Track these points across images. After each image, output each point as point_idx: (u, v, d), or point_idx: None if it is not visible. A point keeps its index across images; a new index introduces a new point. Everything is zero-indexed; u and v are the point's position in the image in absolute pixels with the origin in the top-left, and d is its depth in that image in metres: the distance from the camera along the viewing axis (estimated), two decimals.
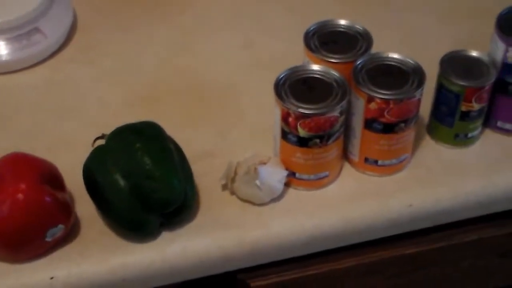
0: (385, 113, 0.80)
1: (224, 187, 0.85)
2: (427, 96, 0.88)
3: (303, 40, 0.86)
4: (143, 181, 0.76)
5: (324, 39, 0.86)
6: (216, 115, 0.94)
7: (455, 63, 0.85)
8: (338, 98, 0.79)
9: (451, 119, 0.87)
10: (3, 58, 0.98)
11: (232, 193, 0.84)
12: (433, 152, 0.90)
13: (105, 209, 0.79)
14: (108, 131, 0.82)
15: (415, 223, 0.86)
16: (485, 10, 0.95)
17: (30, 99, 0.97)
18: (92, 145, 0.83)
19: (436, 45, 0.98)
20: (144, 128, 0.80)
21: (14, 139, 0.91)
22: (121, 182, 0.77)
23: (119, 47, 1.04)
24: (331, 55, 0.84)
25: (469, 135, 0.88)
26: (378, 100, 0.79)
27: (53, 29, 1.01)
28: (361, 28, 0.87)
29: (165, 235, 0.81)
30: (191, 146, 0.88)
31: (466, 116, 0.86)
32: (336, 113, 0.79)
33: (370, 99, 0.80)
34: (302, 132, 0.79)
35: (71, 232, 0.81)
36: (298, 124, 0.79)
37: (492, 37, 0.86)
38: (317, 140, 0.80)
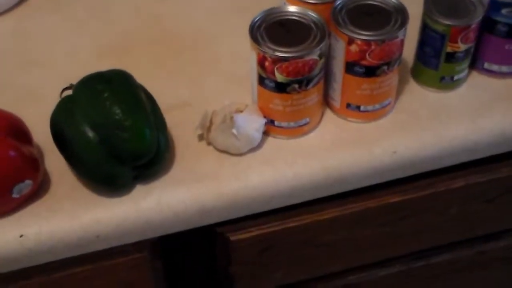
0: (367, 55, 0.76)
1: (200, 137, 0.81)
2: (412, 38, 0.84)
3: None
4: (113, 131, 0.72)
5: None
6: (190, 64, 0.90)
7: (440, 1, 0.81)
8: (317, 40, 0.75)
9: (436, 60, 0.83)
10: None
11: (209, 143, 0.81)
12: (418, 97, 0.86)
13: (75, 162, 0.75)
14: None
15: (399, 171, 0.83)
16: None
17: None
18: (60, 96, 0.79)
19: None
20: (113, 77, 0.75)
21: None
22: (90, 133, 0.73)
23: None
24: None
25: (455, 77, 0.85)
26: (359, 42, 0.75)
27: None
28: None
29: (140, 188, 0.77)
30: (164, 96, 0.85)
31: (451, 57, 0.82)
32: (315, 56, 0.75)
33: (350, 41, 0.76)
34: (279, 77, 0.75)
35: (41, 188, 0.77)
36: (275, 68, 0.75)
37: None
38: (296, 85, 0.76)
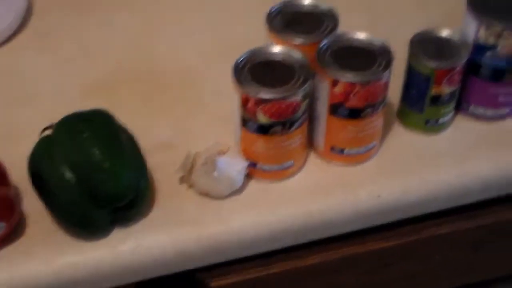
0: (351, 96, 0.75)
1: (182, 179, 0.79)
2: (397, 80, 0.83)
3: (265, 21, 0.80)
4: (91, 173, 0.70)
5: (287, 19, 0.81)
6: (176, 103, 0.89)
7: (426, 44, 0.81)
8: (301, 81, 0.74)
9: (421, 103, 0.82)
10: None
11: (190, 186, 0.79)
12: (403, 140, 0.85)
13: (51, 204, 0.73)
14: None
15: (384, 216, 0.81)
16: None
17: None
18: (40, 136, 0.76)
19: (409, 25, 0.93)
20: (93, 116, 0.74)
21: None
22: (68, 174, 0.71)
23: (77, 31, 0.99)
24: (295, 36, 0.79)
25: (440, 120, 0.83)
26: (343, 83, 0.74)
27: (4, 14, 0.94)
28: (326, 8, 0.82)
29: (118, 232, 0.75)
30: (148, 136, 0.83)
31: (437, 100, 0.81)
32: (298, 97, 0.74)
33: (335, 82, 0.75)
34: (262, 119, 0.74)
35: (16, 230, 0.74)
36: (258, 109, 0.73)
37: (464, 14, 0.81)
38: (279, 127, 0.75)
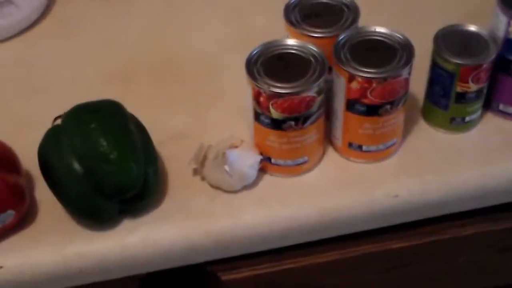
0: (368, 93, 0.72)
1: (195, 171, 0.78)
2: (423, 75, 0.80)
3: (283, 13, 0.78)
4: (98, 164, 0.70)
5: (306, 11, 0.78)
6: (193, 94, 0.88)
7: (451, 39, 0.77)
8: (316, 76, 0.72)
9: (446, 101, 0.79)
10: None
11: (203, 178, 0.78)
12: (427, 137, 0.82)
13: (60, 194, 0.73)
14: None
15: (401, 216, 0.78)
16: None
17: (2, 74, 0.91)
18: (52, 124, 0.76)
19: (438, 18, 0.90)
20: (101, 107, 0.73)
21: None
22: (76, 165, 0.70)
23: (99, 20, 0.98)
24: (312, 29, 0.76)
25: (467, 119, 0.80)
26: (360, 79, 0.72)
27: (27, 1, 0.94)
28: (347, 0, 0.79)
29: (127, 223, 0.75)
30: (164, 126, 0.83)
31: (462, 97, 0.78)
32: (312, 92, 0.71)
33: (351, 78, 0.72)
34: (275, 114, 0.72)
35: (27, 218, 0.75)
36: (270, 104, 0.72)
37: (493, 9, 0.77)
38: (292, 123, 0.73)
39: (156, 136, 0.81)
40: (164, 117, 0.85)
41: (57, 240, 0.74)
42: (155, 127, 0.82)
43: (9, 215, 0.71)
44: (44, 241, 0.74)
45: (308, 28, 0.76)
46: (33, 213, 0.76)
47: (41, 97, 0.88)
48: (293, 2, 0.79)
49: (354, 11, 0.78)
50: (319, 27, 0.76)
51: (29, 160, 0.76)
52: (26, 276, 0.72)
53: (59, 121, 0.76)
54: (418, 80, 0.81)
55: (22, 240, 0.74)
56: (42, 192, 0.76)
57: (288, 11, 0.78)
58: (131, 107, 0.84)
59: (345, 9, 0.78)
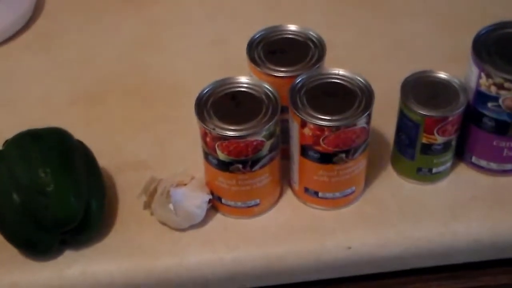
0: (321, 140, 0.69)
1: (145, 205, 0.76)
2: (394, 120, 0.76)
3: (246, 49, 0.75)
4: (35, 195, 0.68)
5: (271, 47, 0.75)
6: (161, 121, 0.86)
7: (420, 87, 0.73)
8: (266, 119, 0.69)
9: (411, 150, 0.74)
10: None
11: (152, 213, 0.75)
12: (393, 186, 0.77)
13: None
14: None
15: (354, 268, 0.75)
16: (492, 17, 0.78)
17: None
18: (2, 147, 0.75)
19: (424, 57, 0.86)
20: (45, 135, 0.72)
21: None
22: (14, 194, 0.69)
23: (81, 37, 0.97)
24: (274, 68, 0.73)
25: (434, 170, 0.76)
26: (312, 126, 0.68)
27: (7, 13, 0.94)
28: (314, 35, 0.75)
29: (68, 254, 0.73)
30: (125, 154, 0.82)
31: (428, 149, 0.73)
32: (260, 137, 0.68)
33: (303, 124, 0.69)
34: (221, 155, 0.69)
35: None
36: (216, 145, 0.69)
37: (468, 58, 0.73)
38: (239, 165, 0.70)
39: (115, 163, 0.80)
40: (127, 143, 0.83)
41: None
42: (116, 153, 0.81)
43: None
44: None
45: (270, 66, 0.73)
46: None
47: (7, 111, 0.87)
48: (257, 37, 0.76)
49: (321, 48, 0.74)
50: (282, 65, 0.73)
51: None
52: None
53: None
54: (389, 124, 0.77)
55: None
56: None
57: (251, 46, 0.75)
58: (95, 130, 0.83)
59: (312, 45, 0.75)
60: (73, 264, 0.72)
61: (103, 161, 0.77)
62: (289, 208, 0.76)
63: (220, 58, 0.93)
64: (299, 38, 0.76)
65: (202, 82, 0.88)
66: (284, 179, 0.77)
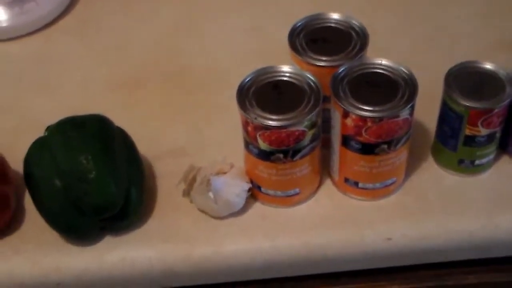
0: (363, 131, 0.68)
1: (184, 192, 0.76)
2: (435, 111, 0.75)
3: (288, 37, 0.74)
4: (76, 182, 0.69)
5: (313, 36, 0.74)
6: (198, 107, 0.85)
7: (464, 78, 0.72)
8: (308, 109, 0.68)
9: (454, 142, 0.73)
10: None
11: (191, 200, 0.75)
12: (433, 178, 0.77)
13: (40, 206, 0.72)
14: (82, 114, 0.75)
15: (394, 260, 0.74)
16: None
17: (14, 70, 0.92)
18: (44, 133, 0.75)
19: (470, 47, 0.85)
20: (87, 123, 0.72)
21: None
22: (56, 180, 0.69)
23: (119, 22, 0.97)
24: (316, 57, 0.72)
25: (476, 162, 0.75)
26: (354, 117, 0.68)
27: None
28: (357, 25, 0.74)
29: (107, 240, 0.74)
30: (164, 140, 0.82)
31: (471, 141, 0.72)
32: (301, 127, 0.68)
33: (345, 114, 0.68)
34: (262, 145, 0.69)
35: (12, 225, 0.75)
36: (258, 135, 0.68)
37: None
38: (280, 155, 0.69)
39: (153, 149, 0.80)
40: (166, 129, 0.83)
41: (37, 251, 0.73)
42: (154, 139, 0.81)
43: None
44: (24, 251, 0.73)
45: (311, 55, 0.72)
46: (19, 221, 0.75)
47: (48, 96, 0.88)
48: (299, 25, 0.75)
49: (363, 37, 0.74)
50: (324, 54, 0.72)
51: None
52: (3, 285, 0.72)
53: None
54: (430, 114, 0.76)
55: (4, 248, 0.73)
56: (31, 200, 0.76)
57: (293, 35, 0.74)
58: (133, 116, 0.83)
59: (354, 34, 0.74)
60: (113, 250, 0.73)
61: (141, 147, 0.77)
62: (328, 198, 0.76)
63: (258, 45, 0.92)
64: (341, 27, 0.75)
65: (239, 69, 0.87)
66: (323, 169, 0.76)
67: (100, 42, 0.94)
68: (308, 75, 0.70)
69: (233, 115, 0.83)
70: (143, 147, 0.78)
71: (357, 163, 0.71)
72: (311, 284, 0.78)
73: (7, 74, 0.91)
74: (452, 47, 0.89)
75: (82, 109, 0.76)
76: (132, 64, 0.91)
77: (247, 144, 0.71)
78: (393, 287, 0.78)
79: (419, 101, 0.70)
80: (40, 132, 0.78)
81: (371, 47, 0.74)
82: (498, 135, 0.73)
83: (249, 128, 0.69)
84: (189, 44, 0.93)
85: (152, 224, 0.74)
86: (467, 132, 0.72)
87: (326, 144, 0.74)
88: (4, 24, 0.94)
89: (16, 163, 0.75)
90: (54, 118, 0.79)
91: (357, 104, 0.68)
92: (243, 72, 0.86)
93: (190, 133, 0.83)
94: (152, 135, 0.82)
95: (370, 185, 0.73)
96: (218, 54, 0.92)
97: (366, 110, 0.67)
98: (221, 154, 0.77)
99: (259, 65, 0.72)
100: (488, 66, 0.72)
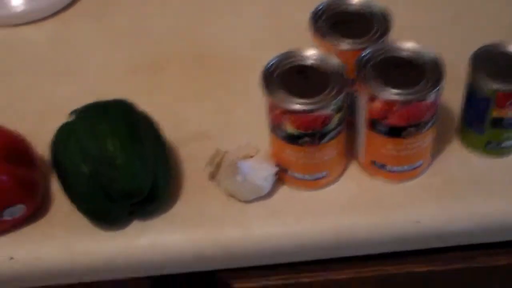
0: (390, 114, 0.68)
1: (211, 176, 0.76)
2: (459, 93, 0.75)
3: (309, 21, 0.74)
4: (103, 168, 0.69)
5: (334, 19, 0.74)
6: (222, 90, 0.85)
7: (491, 60, 0.71)
8: (334, 92, 0.68)
9: (481, 124, 0.73)
10: (12, 10, 0.94)
11: (218, 184, 0.76)
12: (460, 160, 0.76)
13: (68, 191, 0.73)
14: (104, 99, 0.75)
15: (423, 242, 0.74)
16: None
17: (31, 55, 0.92)
18: (68, 118, 0.76)
19: (495, 27, 0.84)
20: (112, 107, 0.72)
21: (8, 98, 0.86)
22: (83, 166, 0.70)
23: (136, 6, 0.97)
24: (339, 40, 0.72)
25: (503, 144, 0.74)
26: (382, 100, 0.67)
27: None
28: (379, 8, 0.74)
29: (137, 225, 0.74)
30: (187, 124, 0.82)
31: (498, 123, 0.72)
32: (329, 110, 0.68)
33: (372, 98, 0.68)
34: (289, 128, 0.69)
35: (40, 210, 0.75)
36: (284, 119, 0.68)
37: None
38: (308, 139, 0.70)
39: (177, 133, 0.80)
40: (189, 113, 0.83)
41: (67, 236, 0.74)
42: (178, 123, 0.81)
43: (19, 209, 0.72)
44: (54, 236, 0.74)
45: (335, 39, 0.72)
46: (47, 206, 0.76)
47: (69, 80, 0.88)
48: (321, 8, 0.75)
49: (387, 20, 0.73)
50: (347, 38, 0.72)
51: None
52: (34, 269, 0.73)
53: (73, 116, 0.75)
54: (455, 96, 0.76)
55: (33, 233, 0.74)
56: (57, 185, 0.76)
57: (315, 18, 0.74)
58: (157, 99, 0.84)
59: (376, 17, 0.74)
60: (142, 235, 0.73)
61: (165, 131, 0.77)
62: (355, 181, 0.76)
63: (278, 29, 0.92)
64: (363, 10, 0.74)
65: (260, 53, 0.86)
66: (348, 151, 0.76)
67: (118, 25, 0.94)
68: (333, 58, 0.70)
69: (255, 99, 0.83)
70: (167, 130, 0.78)
71: (385, 146, 0.71)
72: (339, 267, 0.78)
73: (25, 59, 0.91)
74: (475, 27, 0.88)
75: (104, 93, 0.76)
76: (150, 48, 0.91)
77: (273, 128, 0.71)
78: (421, 269, 0.78)
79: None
80: (63, 117, 0.77)
81: (393, 29, 0.73)
82: None
83: (276, 112, 0.69)
84: (209, 27, 0.93)
85: (179, 208, 0.75)
86: (495, 114, 0.71)
87: (350, 126, 0.74)
88: (20, 9, 0.93)
89: (41, 148, 0.76)
90: (76, 102, 0.78)
91: (384, 88, 0.68)
92: (263, 56, 0.86)
93: (214, 117, 0.83)
94: (175, 119, 0.82)
95: (397, 168, 0.73)
96: (238, 38, 0.91)
97: (394, 93, 0.67)
98: (246, 137, 0.77)
99: (279, 49, 0.72)
100: None
